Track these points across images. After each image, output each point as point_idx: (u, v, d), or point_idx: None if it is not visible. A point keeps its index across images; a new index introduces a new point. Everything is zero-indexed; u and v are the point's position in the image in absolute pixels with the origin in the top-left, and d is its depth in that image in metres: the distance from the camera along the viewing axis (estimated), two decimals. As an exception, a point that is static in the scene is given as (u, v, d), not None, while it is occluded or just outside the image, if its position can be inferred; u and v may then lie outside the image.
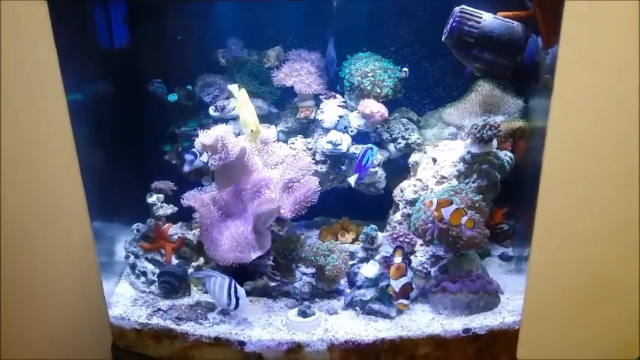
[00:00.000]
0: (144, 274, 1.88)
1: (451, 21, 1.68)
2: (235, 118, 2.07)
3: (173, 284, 1.82)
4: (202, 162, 1.90)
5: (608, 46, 1.57)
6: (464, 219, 1.65)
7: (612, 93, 1.74)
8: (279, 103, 2.19)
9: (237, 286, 1.67)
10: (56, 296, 1.92)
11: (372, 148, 1.88)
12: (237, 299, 1.65)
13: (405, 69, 2.01)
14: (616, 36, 1.56)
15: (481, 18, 1.66)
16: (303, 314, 1.68)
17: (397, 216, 2.00)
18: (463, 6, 1.68)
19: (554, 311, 1.93)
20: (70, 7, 1.64)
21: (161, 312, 1.75)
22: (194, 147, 1.87)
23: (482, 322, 1.66)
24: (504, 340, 1.66)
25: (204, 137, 1.78)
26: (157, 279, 1.85)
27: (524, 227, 1.89)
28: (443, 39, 1.72)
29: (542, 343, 1.96)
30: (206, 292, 1.79)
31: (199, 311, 1.75)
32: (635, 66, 1.62)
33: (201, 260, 1.89)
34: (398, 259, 1.65)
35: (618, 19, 1.53)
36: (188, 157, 1.90)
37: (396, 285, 1.63)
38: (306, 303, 1.77)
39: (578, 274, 2.00)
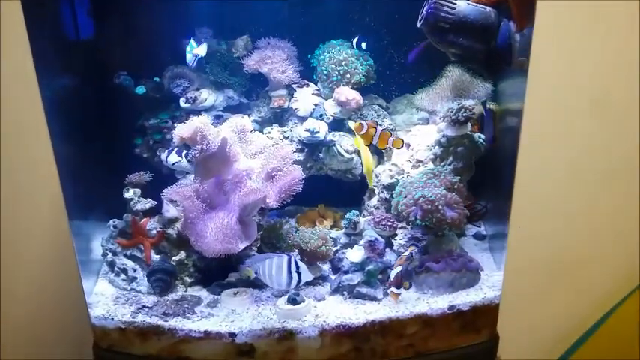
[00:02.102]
0: (124, 271, 1.83)
1: (426, 7, 1.72)
2: (208, 109, 2.04)
3: (166, 281, 1.78)
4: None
5: (580, 29, 1.66)
6: (390, 139, 1.77)
7: (585, 73, 1.83)
8: (248, 94, 2.16)
9: (298, 260, 1.61)
10: (35, 299, 1.86)
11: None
12: (299, 274, 1.59)
13: (357, 37, 2.02)
14: (586, 19, 1.65)
15: (455, 4, 1.71)
16: (293, 301, 1.69)
17: (374, 201, 2.04)
18: (437, -7, 1.72)
19: (532, 286, 2.03)
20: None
21: (146, 309, 1.71)
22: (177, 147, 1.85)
23: (465, 298, 1.72)
24: (486, 315, 1.73)
25: (182, 130, 1.74)
26: (148, 278, 1.80)
27: (496, 207, 1.97)
28: (418, 25, 1.75)
29: (522, 316, 2.06)
30: (257, 279, 1.69)
31: (186, 305, 1.72)
32: (607, 46, 1.71)
33: (183, 254, 1.84)
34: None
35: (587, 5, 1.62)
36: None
37: (393, 273, 1.70)
38: (294, 290, 1.78)
39: (553, 251, 2.10)
